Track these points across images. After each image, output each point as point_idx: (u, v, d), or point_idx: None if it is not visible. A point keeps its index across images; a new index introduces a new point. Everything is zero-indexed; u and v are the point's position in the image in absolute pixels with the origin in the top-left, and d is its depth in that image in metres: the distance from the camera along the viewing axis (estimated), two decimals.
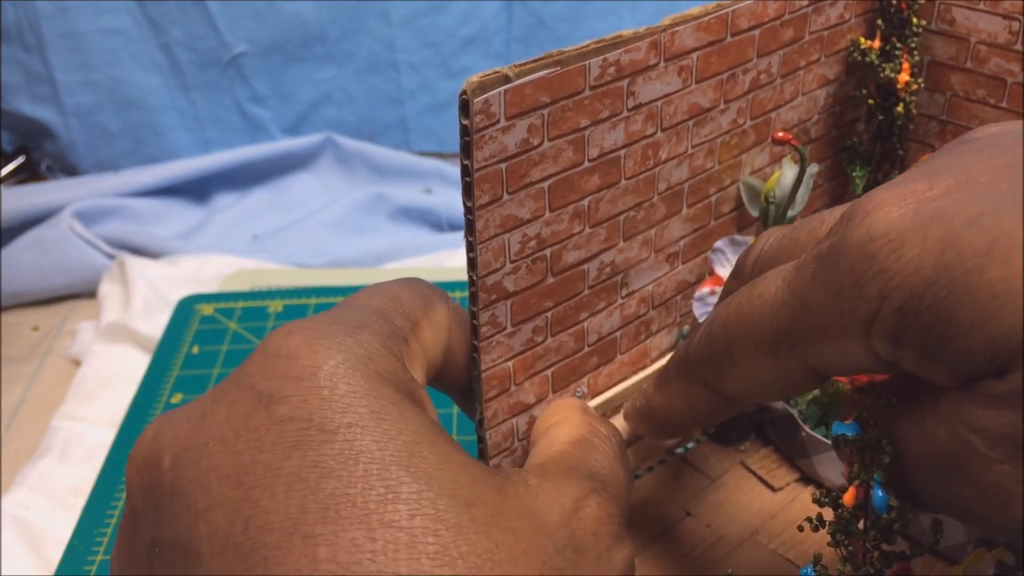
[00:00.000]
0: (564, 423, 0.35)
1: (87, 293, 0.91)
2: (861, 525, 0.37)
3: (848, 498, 0.37)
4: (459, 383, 0.37)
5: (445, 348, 0.34)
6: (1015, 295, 0.23)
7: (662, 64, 0.40)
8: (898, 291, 0.25)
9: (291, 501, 0.23)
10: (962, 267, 0.24)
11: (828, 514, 0.38)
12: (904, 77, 0.52)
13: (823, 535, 0.38)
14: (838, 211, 0.33)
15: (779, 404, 0.52)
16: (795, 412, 0.51)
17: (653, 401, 0.39)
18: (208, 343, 0.76)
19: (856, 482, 0.37)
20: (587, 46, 0.36)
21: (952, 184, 0.25)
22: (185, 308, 0.81)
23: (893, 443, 0.33)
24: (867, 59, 0.51)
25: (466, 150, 0.33)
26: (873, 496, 0.37)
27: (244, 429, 0.24)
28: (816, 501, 0.38)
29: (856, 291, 0.26)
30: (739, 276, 0.38)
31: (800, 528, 0.39)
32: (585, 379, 0.45)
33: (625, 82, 0.38)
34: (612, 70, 0.37)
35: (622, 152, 0.40)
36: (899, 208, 0.25)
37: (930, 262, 0.24)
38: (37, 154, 1.09)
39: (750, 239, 0.46)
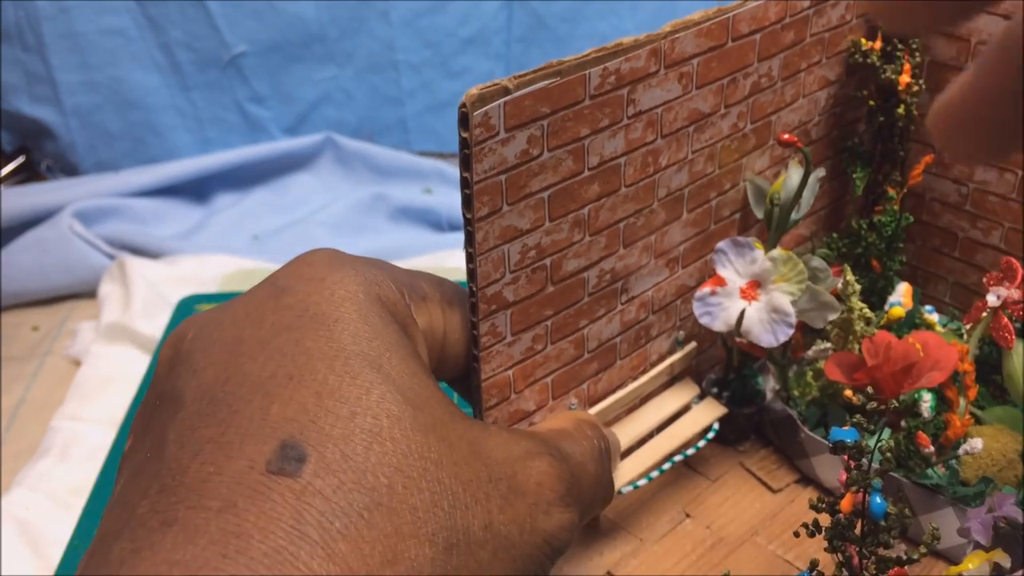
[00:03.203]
0: (552, 420, 0.36)
1: (87, 293, 0.91)
2: (858, 530, 0.37)
3: (845, 504, 0.38)
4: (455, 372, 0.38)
5: (463, 344, 0.36)
6: None
7: (662, 71, 0.40)
8: None
9: (267, 367, 0.26)
10: None
11: (825, 519, 0.38)
12: (905, 78, 0.52)
13: (822, 537, 0.38)
14: None
15: (778, 405, 0.52)
16: (794, 413, 0.51)
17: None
18: None
19: (853, 488, 0.37)
20: (587, 55, 0.36)
21: None
22: (185, 308, 0.81)
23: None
24: (868, 60, 0.51)
25: (465, 162, 0.33)
26: (871, 502, 0.37)
27: (254, 311, 0.28)
28: (813, 507, 0.38)
29: None
30: None
31: (796, 534, 0.39)
32: (584, 386, 0.45)
33: (625, 90, 0.38)
34: (612, 79, 0.37)
35: (622, 160, 0.40)
36: None
37: None
38: (37, 154, 1.08)
39: (752, 240, 0.46)
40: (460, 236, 0.81)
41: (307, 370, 0.25)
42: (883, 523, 0.37)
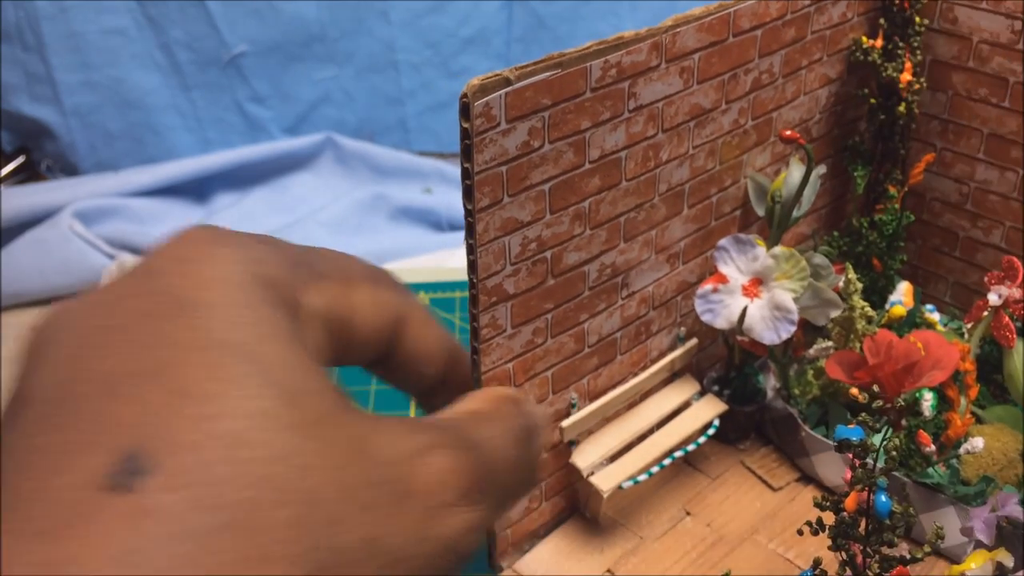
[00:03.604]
0: (469, 400, 0.31)
1: None
2: (862, 529, 0.37)
3: (850, 502, 0.37)
4: (422, 379, 0.34)
5: (386, 328, 0.31)
6: None
7: (663, 65, 0.40)
8: None
9: (119, 361, 0.22)
10: None
11: (828, 518, 0.38)
12: (906, 76, 0.52)
13: (822, 535, 0.38)
14: None
15: (779, 403, 0.52)
16: (795, 412, 0.51)
17: None
18: None
19: (858, 486, 0.37)
20: (588, 48, 0.36)
21: None
22: None
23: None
24: (869, 58, 0.51)
25: (466, 153, 0.33)
26: (876, 500, 0.37)
27: (114, 297, 0.24)
28: (818, 505, 0.38)
29: None
30: None
31: (799, 532, 0.39)
32: (584, 380, 0.45)
33: (626, 84, 0.38)
34: (613, 72, 0.37)
35: (623, 154, 0.40)
36: None
37: None
38: (37, 154, 1.08)
39: (754, 238, 0.45)
40: (460, 236, 0.80)
41: (164, 364, 0.22)
42: (887, 522, 0.37)
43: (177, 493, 0.20)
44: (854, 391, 0.44)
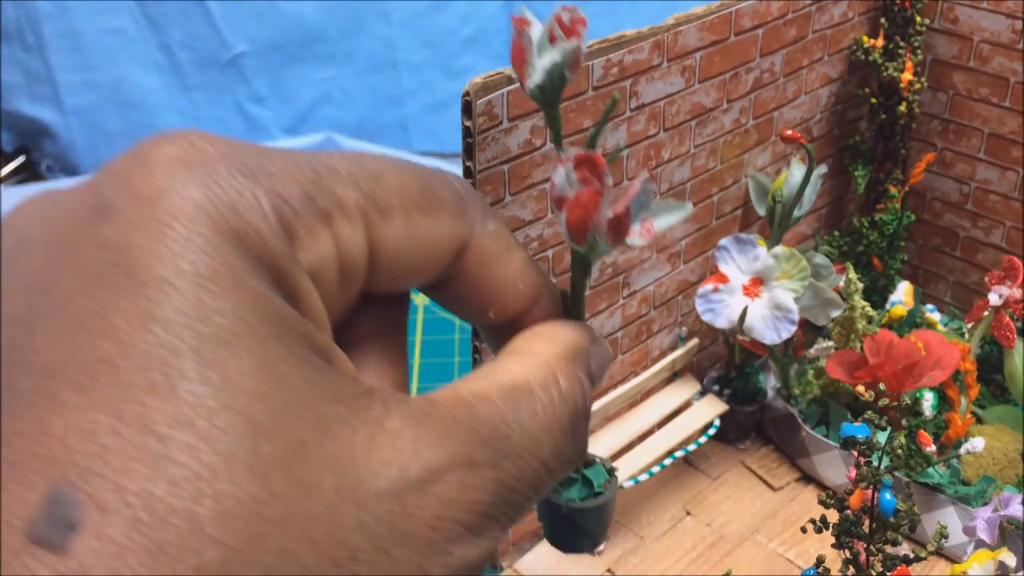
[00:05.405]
0: (524, 358, 0.26)
1: None
2: (866, 527, 0.37)
3: (854, 500, 0.37)
4: (484, 318, 0.28)
5: (431, 265, 0.26)
6: None
7: (665, 64, 0.40)
8: None
9: (60, 348, 0.19)
10: None
11: (832, 516, 0.38)
12: (907, 76, 0.52)
13: (823, 534, 0.38)
14: None
15: (779, 404, 0.52)
16: (795, 412, 0.51)
17: None
18: None
19: (863, 484, 0.37)
20: (590, 47, 0.36)
21: None
22: None
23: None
24: (870, 58, 0.51)
25: (468, 151, 0.33)
26: (880, 499, 0.37)
27: (68, 238, 0.20)
28: (822, 503, 0.38)
29: None
30: None
31: (803, 529, 0.39)
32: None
33: (628, 82, 0.38)
34: (615, 71, 0.37)
35: (624, 152, 0.40)
36: None
37: None
38: (37, 154, 1.08)
39: (754, 237, 0.45)
40: None
41: (109, 366, 0.18)
42: (892, 520, 0.37)
43: (111, 560, 0.17)
44: (859, 388, 0.44)
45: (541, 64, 0.28)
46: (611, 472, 0.30)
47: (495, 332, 0.28)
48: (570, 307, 0.29)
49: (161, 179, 0.20)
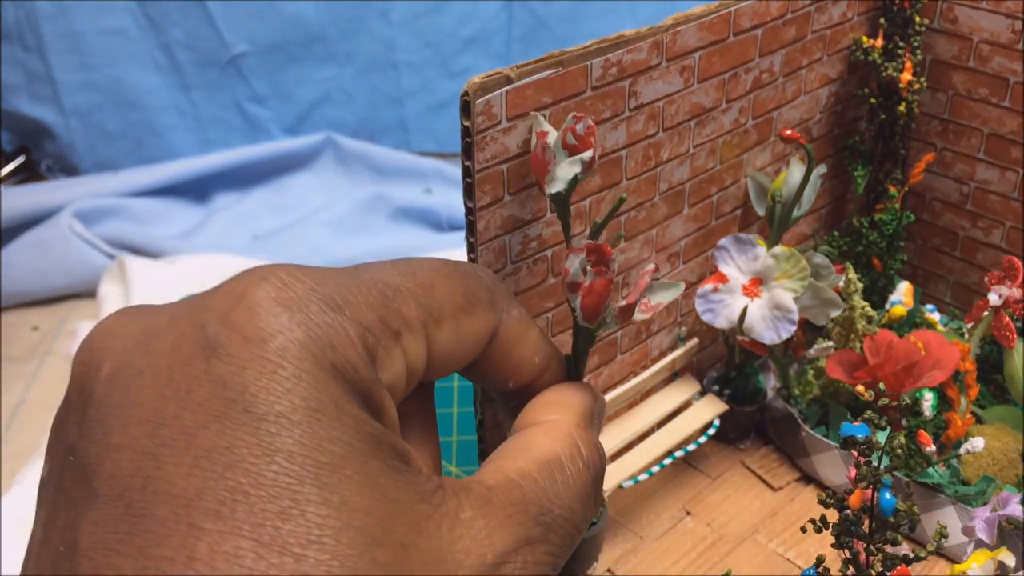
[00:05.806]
0: (549, 430, 0.29)
1: (87, 293, 0.90)
2: (865, 527, 0.37)
3: (854, 500, 0.37)
4: (503, 387, 0.32)
5: (470, 356, 0.30)
6: None
7: (664, 64, 0.40)
8: None
9: (192, 479, 0.21)
10: None
11: (832, 515, 0.38)
12: (906, 76, 0.52)
13: (823, 534, 0.38)
14: None
15: (779, 403, 0.52)
16: (795, 412, 0.51)
17: None
18: None
19: (863, 484, 0.37)
20: (589, 46, 0.36)
21: None
22: None
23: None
24: (869, 58, 0.51)
25: (467, 151, 0.33)
26: (880, 498, 0.37)
27: (179, 373, 0.22)
28: (822, 502, 0.38)
29: None
30: None
31: (803, 529, 0.39)
32: (585, 380, 0.45)
33: (627, 82, 0.38)
34: (614, 70, 0.37)
35: (623, 152, 0.40)
36: None
37: None
38: (37, 154, 1.09)
39: (754, 237, 0.45)
40: (460, 236, 0.80)
41: (242, 495, 0.20)
42: (892, 519, 0.37)
43: None
44: (859, 388, 0.44)
45: (561, 174, 0.31)
46: (602, 503, 0.32)
47: (510, 396, 0.32)
48: (573, 369, 0.34)
49: (265, 321, 0.23)
